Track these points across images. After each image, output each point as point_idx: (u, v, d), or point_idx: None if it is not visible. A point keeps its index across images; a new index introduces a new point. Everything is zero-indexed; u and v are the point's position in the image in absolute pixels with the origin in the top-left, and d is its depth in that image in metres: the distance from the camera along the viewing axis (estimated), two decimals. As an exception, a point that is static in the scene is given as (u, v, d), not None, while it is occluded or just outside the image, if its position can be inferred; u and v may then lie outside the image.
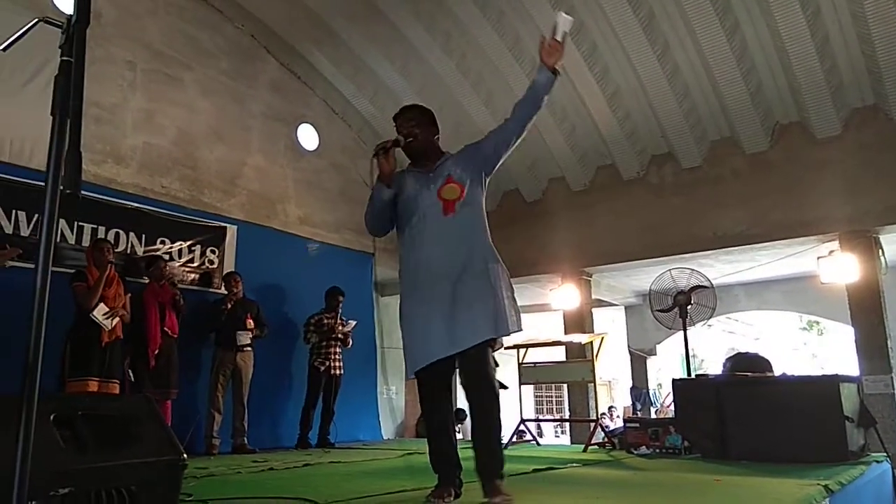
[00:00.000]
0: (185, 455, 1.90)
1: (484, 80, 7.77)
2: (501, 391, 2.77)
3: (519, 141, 2.81)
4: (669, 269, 6.09)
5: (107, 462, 1.72)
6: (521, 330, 2.69)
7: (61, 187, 1.08)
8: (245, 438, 6.04)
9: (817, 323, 16.23)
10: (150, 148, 6.51)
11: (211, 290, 6.60)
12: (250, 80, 7.62)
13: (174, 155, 6.71)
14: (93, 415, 1.81)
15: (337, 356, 6.74)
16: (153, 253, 6.09)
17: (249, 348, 6.19)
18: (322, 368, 6.61)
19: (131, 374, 5.26)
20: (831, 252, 7.03)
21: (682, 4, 6.43)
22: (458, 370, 2.67)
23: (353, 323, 6.88)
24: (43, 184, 1.14)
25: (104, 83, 6.19)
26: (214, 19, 7.27)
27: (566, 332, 8.58)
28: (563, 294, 8.62)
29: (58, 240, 5.44)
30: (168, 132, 6.70)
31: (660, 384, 12.96)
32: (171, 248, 6.34)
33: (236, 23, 7.48)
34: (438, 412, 2.74)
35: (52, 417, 1.66)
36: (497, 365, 2.89)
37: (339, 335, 6.76)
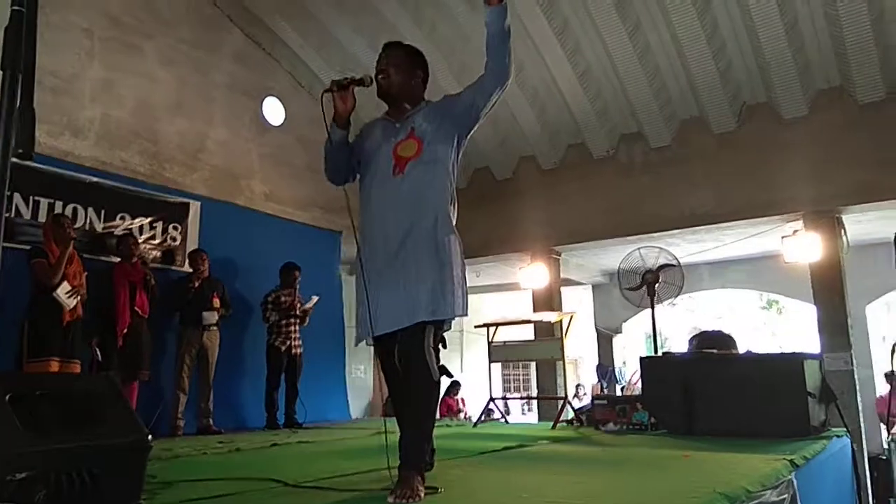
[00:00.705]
0: (150, 436, 1.82)
1: (455, 51, 7.65)
2: (444, 378, 2.64)
3: (501, 93, 2.50)
4: (638, 248, 6.12)
5: (67, 444, 1.63)
6: (465, 314, 2.40)
7: (16, 151, 0.98)
8: (211, 419, 5.94)
9: (776, 302, 16.66)
10: (109, 119, 6.28)
11: (174, 268, 6.43)
12: (213, 51, 7.38)
13: (134, 127, 6.48)
14: (53, 395, 1.72)
15: (296, 334, 6.59)
16: (112, 229, 5.90)
17: (216, 328, 6.06)
18: (283, 348, 6.48)
19: (99, 354, 5.12)
20: (795, 232, 7.15)
21: (655, -18, 6.41)
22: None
23: (315, 299, 6.69)
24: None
25: (60, 52, 5.93)
26: (176, -14, 7.01)
27: (535, 311, 8.61)
28: (533, 273, 8.64)
29: (11, 214, 5.22)
30: (127, 103, 6.46)
31: (624, 362, 13.14)
32: (131, 224, 6.14)
33: (198, -10, 7.22)
34: (394, 376, 2.48)
35: (7, 397, 1.57)
36: (444, 347, 2.75)
37: (299, 312, 6.61)
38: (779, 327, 17.74)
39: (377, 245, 2.40)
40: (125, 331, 5.23)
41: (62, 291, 4.71)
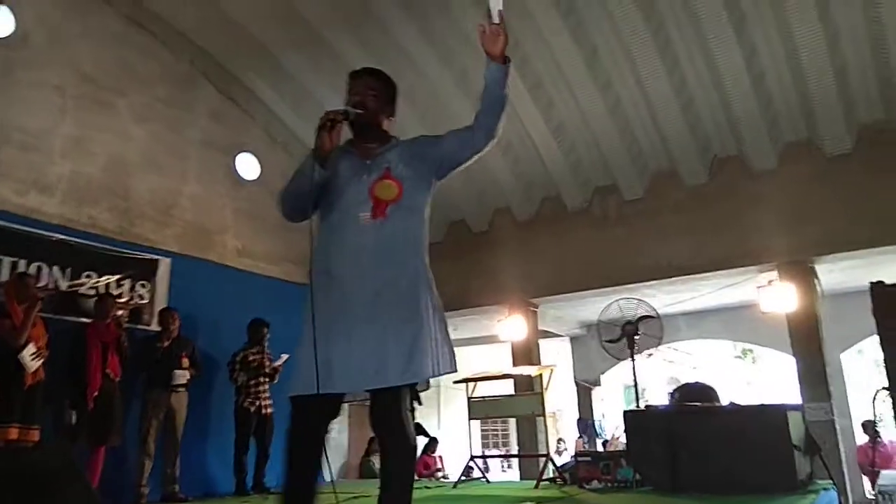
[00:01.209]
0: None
1: (430, 111, 7.73)
2: (420, 437, 2.46)
3: (487, 149, 2.33)
4: (617, 300, 6.11)
5: (17, 527, 1.49)
6: (455, 370, 2.22)
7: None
8: (177, 486, 5.67)
9: (751, 351, 16.72)
10: (78, 176, 6.17)
11: (140, 326, 6.23)
12: (188, 108, 7.35)
13: (104, 183, 6.37)
14: (4, 472, 1.58)
15: (266, 394, 6.35)
16: (78, 287, 5.73)
17: (184, 389, 5.84)
18: (252, 409, 6.24)
19: (74, 417, 4.90)
20: (770, 282, 7.21)
21: (624, 40, 6.58)
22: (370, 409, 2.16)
23: (285, 357, 6.40)
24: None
25: (31, 108, 5.87)
26: (150, 44, 7.00)
27: (514, 364, 8.50)
28: (511, 325, 8.57)
29: (-29, 273, 5.06)
30: (98, 160, 6.37)
31: (604, 415, 13.00)
32: (97, 282, 5.96)
33: (173, 48, 7.23)
34: (309, 452, 2.21)
35: (-50, 478, 1.43)
36: (420, 404, 2.56)
37: (268, 370, 6.40)
38: (754, 376, 17.78)
39: (348, 290, 2.16)
40: (96, 393, 5.03)
41: (27, 353, 4.53)
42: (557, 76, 7.09)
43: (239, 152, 7.90)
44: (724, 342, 13.53)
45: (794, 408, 4.75)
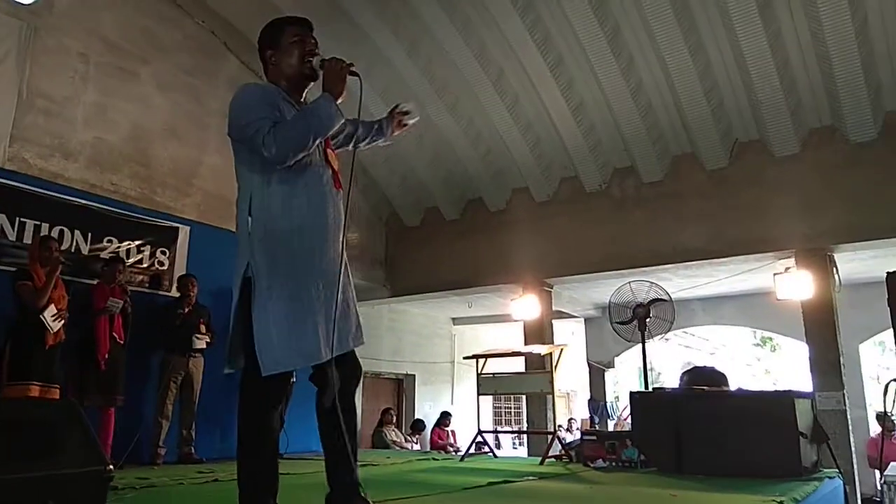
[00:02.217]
0: (111, 466, 1.76)
1: (449, 85, 7.72)
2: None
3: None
4: (629, 282, 6.09)
5: (22, 474, 1.56)
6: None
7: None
8: (192, 447, 5.81)
9: (770, 339, 16.60)
10: (101, 143, 6.27)
11: (160, 292, 6.36)
12: (209, 77, 7.41)
13: (126, 151, 6.48)
14: (8, 423, 1.65)
15: None
16: (99, 252, 5.84)
17: (200, 354, 5.97)
18: None
19: (79, 379, 5.02)
20: (787, 269, 7.13)
21: (648, 20, 6.48)
22: (321, 378, 2.18)
23: None
24: None
25: (55, 75, 5.95)
26: (174, 14, 7.07)
27: (526, 344, 8.53)
28: (524, 305, 8.59)
29: (-5, 236, 5.20)
30: (121, 128, 6.46)
31: (617, 396, 13.02)
32: (118, 247, 6.08)
33: (196, 18, 7.28)
34: (276, 428, 2.25)
35: (-42, 424, 1.50)
36: None
37: None
38: (773, 364, 17.66)
39: (323, 261, 2.15)
40: (106, 356, 5.11)
41: (48, 314, 4.62)
42: (580, 55, 7.01)
43: (260, 124, 7.95)
44: (743, 330, 13.45)
45: (804, 395, 4.73)
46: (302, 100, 2.32)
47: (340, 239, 2.21)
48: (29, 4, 5.78)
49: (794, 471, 4.03)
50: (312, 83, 2.30)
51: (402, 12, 7.01)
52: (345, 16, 7.10)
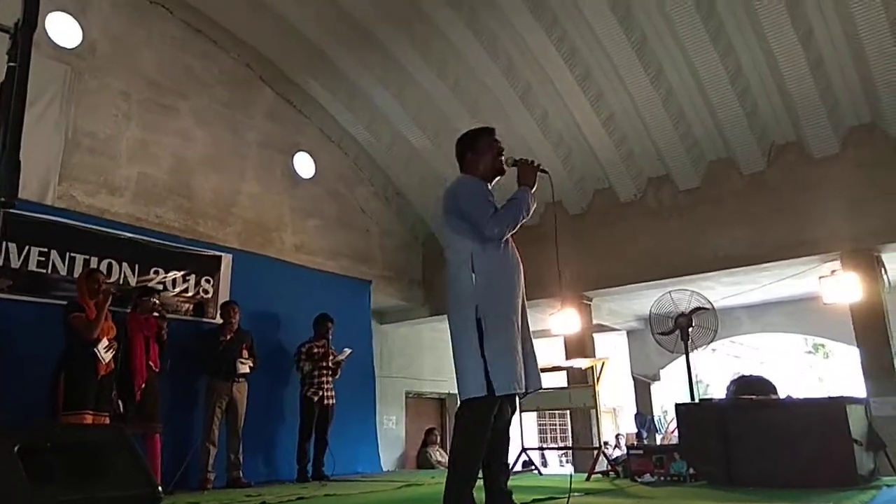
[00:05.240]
0: (160, 488, 1.81)
1: (478, 104, 7.78)
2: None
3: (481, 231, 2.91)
4: (669, 292, 6.00)
5: (74, 496, 1.63)
6: None
7: (1, 199, 1.01)
8: (240, 472, 5.89)
9: (822, 346, 16.09)
10: (145, 177, 6.49)
11: (205, 319, 6.51)
12: (246, 109, 7.62)
13: (169, 184, 6.69)
14: (61, 446, 1.72)
15: (329, 385, 6.57)
16: (146, 283, 6.01)
17: (244, 379, 6.07)
18: (315, 399, 6.46)
19: (121, 406, 5.12)
20: (833, 272, 6.95)
21: (675, 27, 6.45)
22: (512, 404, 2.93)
23: (348, 352, 6.69)
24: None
25: (98, 114, 6.20)
26: (210, 49, 7.30)
27: (567, 358, 8.46)
28: (564, 319, 8.52)
29: (48, 270, 5.38)
30: (163, 162, 6.68)
31: (665, 410, 12.77)
32: (165, 277, 6.26)
33: (231, 52, 7.51)
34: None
35: (16, 449, 1.57)
36: None
37: (332, 364, 6.62)
38: (826, 372, 17.10)
39: (524, 311, 2.88)
40: (143, 385, 5.16)
41: (101, 347, 4.76)
42: (608, 66, 7.01)
43: (295, 151, 8.15)
44: (794, 337, 13.08)
45: (857, 401, 4.59)
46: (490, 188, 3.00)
47: (522, 288, 2.92)
48: (73, 49, 6.06)
49: (850, 480, 3.91)
50: (500, 176, 3.02)
51: (430, 35, 7.12)
52: (376, 43, 7.25)
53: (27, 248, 5.32)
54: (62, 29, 6.01)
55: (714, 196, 7.71)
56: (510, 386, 2.67)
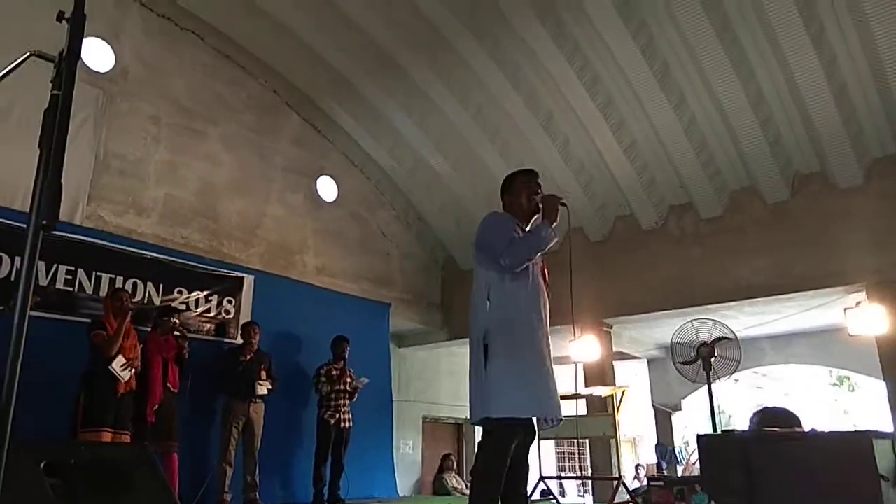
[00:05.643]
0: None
1: (500, 131, 7.85)
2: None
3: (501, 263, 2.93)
4: (691, 321, 5.94)
5: (99, 512, 1.65)
6: None
7: (41, 223, 1.04)
8: (257, 493, 5.89)
9: (848, 378, 15.74)
10: (172, 199, 6.61)
11: (226, 339, 6.57)
12: (273, 134, 7.76)
13: (195, 206, 6.81)
14: (86, 464, 1.76)
15: (346, 408, 6.56)
16: (170, 302, 6.10)
17: (261, 400, 6.09)
18: (332, 422, 6.46)
19: (133, 426, 5.15)
20: (858, 303, 6.84)
21: (697, 55, 6.48)
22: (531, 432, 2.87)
23: (365, 381, 6.69)
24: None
25: (128, 136, 6.35)
26: (238, 75, 7.47)
27: (587, 386, 8.37)
28: (583, 346, 8.45)
29: (75, 289, 5.49)
30: (190, 184, 6.81)
31: (686, 441, 12.55)
32: (188, 297, 6.35)
33: (260, 79, 7.67)
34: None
35: (42, 466, 1.61)
36: None
37: (349, 388, 6.62)
38: (852, 405, 16.72)
39: (545, 342, 2.88)
40: (156, 406, 5.19)
41: (117, 364, 4.79)
42: (629, 94, 7.05)
43: (319, 175, 8.26)
44: (818, 369, 12.84)
45: (884, 435, 4.49)
46: (527, 228, 3.07)
47: (546, 322, 2.95)
48: (105, 73, 6.23)
49: (877, 517, 3.81)
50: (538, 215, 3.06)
51: (453, 64, 7.21)
52: (400, 71, 7.36)
53: (55, 266, 5.43)
54: (96, 54, 6.19)
55: (737, 225, 7.66)
56: (510, 409, 2.69)
